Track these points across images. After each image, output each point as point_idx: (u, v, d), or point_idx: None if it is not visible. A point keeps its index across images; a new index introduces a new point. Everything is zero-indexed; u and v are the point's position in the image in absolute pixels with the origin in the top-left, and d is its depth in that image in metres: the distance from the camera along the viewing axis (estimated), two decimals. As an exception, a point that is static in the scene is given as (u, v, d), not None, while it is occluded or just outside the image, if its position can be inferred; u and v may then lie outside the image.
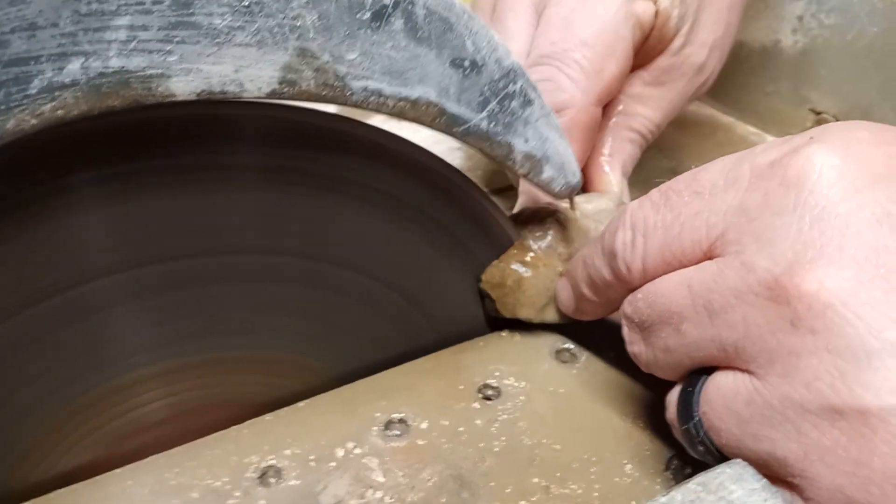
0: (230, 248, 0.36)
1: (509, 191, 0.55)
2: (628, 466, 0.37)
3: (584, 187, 0.53)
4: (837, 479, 0.27)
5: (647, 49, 0.51)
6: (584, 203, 0.46)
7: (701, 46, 0.53)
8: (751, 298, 0.28)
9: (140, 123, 0.31)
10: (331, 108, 0.34)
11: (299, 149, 0.34)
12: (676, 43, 0.52)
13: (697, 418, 0.32)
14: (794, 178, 0.29)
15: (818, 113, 0.65)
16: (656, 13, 0.50)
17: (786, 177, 0.29)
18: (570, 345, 0.44)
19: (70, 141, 0.30)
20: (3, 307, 0.32)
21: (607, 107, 0.52)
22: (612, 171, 0.53)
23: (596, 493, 0.35)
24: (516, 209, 0.47)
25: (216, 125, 0.32)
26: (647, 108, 0.54)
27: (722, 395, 0.30)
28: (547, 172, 0.36)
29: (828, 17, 0.62)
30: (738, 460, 0.29)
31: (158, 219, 0.33)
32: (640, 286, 0.34)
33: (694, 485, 0.28)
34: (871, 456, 0.26)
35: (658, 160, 0.63)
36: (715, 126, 0.70)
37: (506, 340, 0.44)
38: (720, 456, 0.31)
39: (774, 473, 0.29)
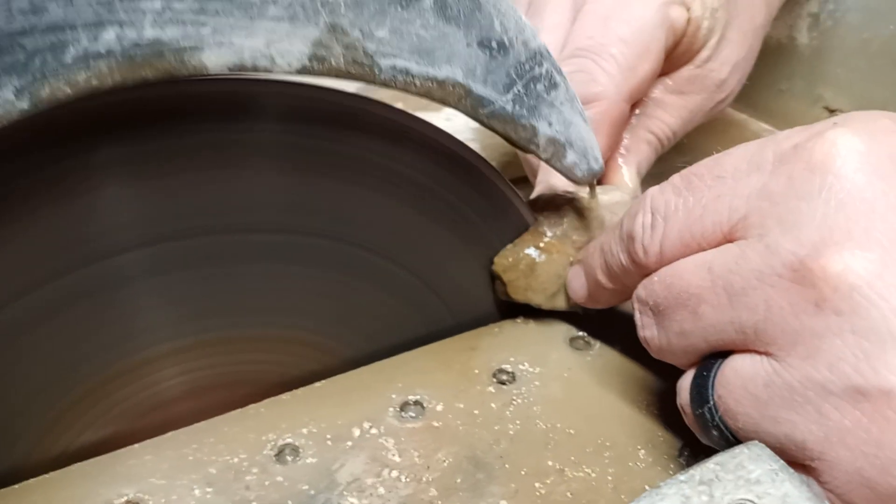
0: (251, 226, 0.36)
1: (523, 182, 0.55)
2: (642, 452, 0.37)
3: (599, 181, 0.53)
4: (857, 462, 0.27)
5: (675, 56, 0.52)
6: (601, 194, 0.46)
7: (724, 63, 0.54)
8: (774, 280, 0.29)
9: (165, 100, 0.31)
10: (351, 89, 0.34)
11: (321, 128, 0.35)
12: (703, 55, 0.53)
13: (712, 402, 0.32)
14: (819, 161, 0.29)
15: (832, 111, 0.65)
16: (688, 21, 0.51)
17: (811, 160, 0.29)
18: (584, 332, 0.44)
19: (96, 117, 0.30)
20: (27, 281, 0.32)
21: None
22: (627, 168, 0.53)
23: (610, 478, 0.35)
24: (533, 195, 0.48)
25: (240, 103, 0.33)
26: (666, 113, 0.55)
27: (739, 377, 0.30)
28: (570, 157, 0.36)
29: (844, 16, 0.63)
30: (756, 442, 0.29)
31: (180, 196, 0.34)
32: (655, 271, 0.35)
33: (712, 464, 0.28)
34: (893, 437, 0.26)
35: (671, 156, 0.63)
36: (728, 123, 0.70)
37: (521, 327, 0.44)
38: (734, 441, 0.31)
39: (791, 457, 0.29)
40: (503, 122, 0.33)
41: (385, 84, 0.30)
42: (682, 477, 0.27)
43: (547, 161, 0.36)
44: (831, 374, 0.27)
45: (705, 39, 0.53)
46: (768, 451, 0.28)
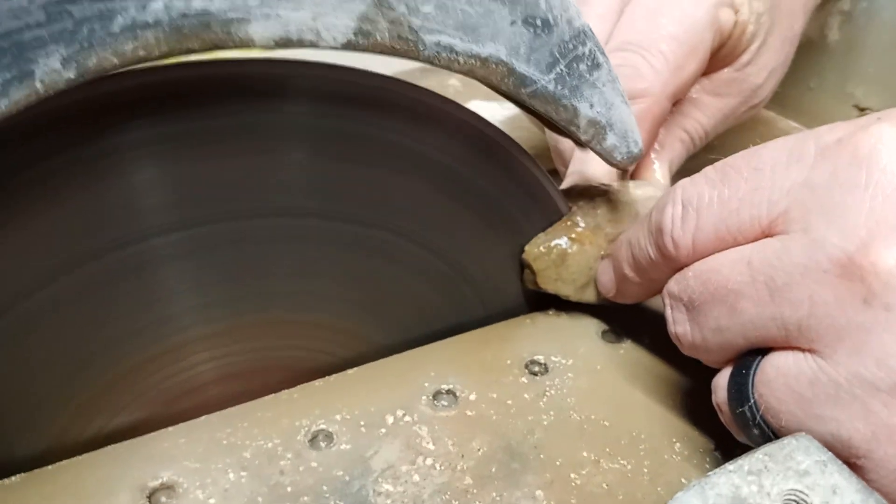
0: (283, 210, 0.35)
1: (553, 175, 0.55)
2: (678, 445, 0.36)
3: (632, 176, 0.53)
4: None
5: (717, 58, 0.52)
6: (635, 189, 0.46)
7: (762, 69, 0.54)
8: (818, 276, 0.28)
9: (196, 81, 0.31)
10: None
11: (352, 110, 0.34)
12: (743, 59, 0.53)
13: (753, 401, 0.31)
14: (864, 155, 0.28)
15: (862, 109, 0.65)
16: (735, 24, 0.51)
17: (856, 154, 0.28)
18: (616, 325, 0.44)
19: (130, 97, 0.30)
20: (60, 262, 0.32)
21: None
22: (660, 164, 0.53)
23: (646, 470, 0.35)
24: (565, 185, 0.47)
25: (271, 85, 0.32)
26: (701, 113, 0.54)
27: (782, 375, 0.30)
28: (610, 140, 0.36)
29: (876, 13, 0.62)
30: (803, 433, 0.28)
31: (214, 178, 0.33)
32: (686, 265, 0.34)
33: (761, 454, 0.27)
34: None
35: (700, 153, 0.63)
36: (756, 121, 0.70)
37: (553, 319, 0.44)
38: (774, 439, 0.31)
39: (836, 455, 0.28)
40: (545, 102, 0.33)
41: (428, 61, 0.29)
42: (730, 467, 0.27)
43: (587, 143, 0.35)
44: (879, 370, 0.27)
45: (748, 44, 0.52)
46: (816, 442, 0.28)
